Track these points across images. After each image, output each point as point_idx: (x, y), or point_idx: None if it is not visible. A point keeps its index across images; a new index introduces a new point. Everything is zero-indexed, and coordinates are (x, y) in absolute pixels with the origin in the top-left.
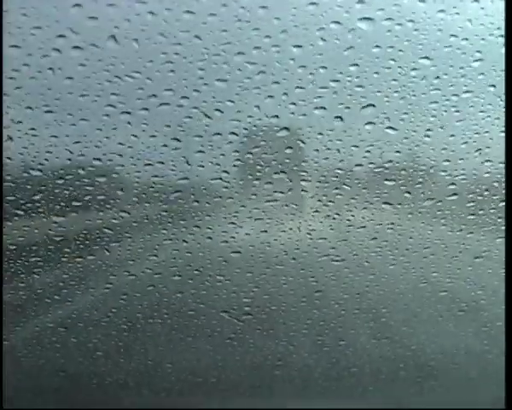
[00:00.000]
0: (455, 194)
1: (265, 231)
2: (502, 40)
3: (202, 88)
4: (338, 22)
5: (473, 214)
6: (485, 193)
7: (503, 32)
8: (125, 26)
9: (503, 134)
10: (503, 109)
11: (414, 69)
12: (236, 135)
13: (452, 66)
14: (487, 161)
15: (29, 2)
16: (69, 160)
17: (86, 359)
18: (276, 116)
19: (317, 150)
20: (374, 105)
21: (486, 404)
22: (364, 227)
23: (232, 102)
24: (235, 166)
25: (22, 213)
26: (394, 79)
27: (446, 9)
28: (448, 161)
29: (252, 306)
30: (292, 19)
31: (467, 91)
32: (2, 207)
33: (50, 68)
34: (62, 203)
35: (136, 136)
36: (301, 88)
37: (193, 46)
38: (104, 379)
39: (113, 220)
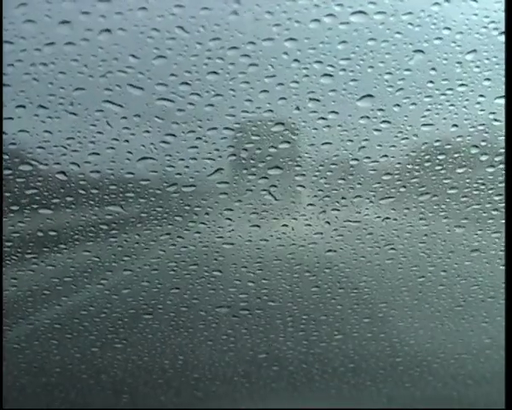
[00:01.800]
0: (451, 188)
1: (261, 226)
2: (496, 33)
3: (195, 83)
4: (331, 16)
5: (469, 208)
6: (482, 187)
7: (497, 25)
8: (118, 20)
9: (499, 128)
10: (500, 103)
11: (408, 63)
12: (231, 130)
13: (447, 59)
14: (483, 154)
15: None
16: (63, 155)
17: (84, 357)
18: (271, 111)
19: (313, 145)
20: (368, 99)
21: (486, 403)
22: (360, 222)
23: (226, 96)
24: (229, 161)
25: (16, 208)
26: (388, 73)
27: (440, 2)
28: (443, 154)
29: (248, 301)
30: (285, 13)
31: (462, 85)
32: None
33: (43, 63)
34: (56, 199)
35: (129, 129)
36: (295, 82)
37: (186, 41)
38: (102, 377)
39: (108, 216)
